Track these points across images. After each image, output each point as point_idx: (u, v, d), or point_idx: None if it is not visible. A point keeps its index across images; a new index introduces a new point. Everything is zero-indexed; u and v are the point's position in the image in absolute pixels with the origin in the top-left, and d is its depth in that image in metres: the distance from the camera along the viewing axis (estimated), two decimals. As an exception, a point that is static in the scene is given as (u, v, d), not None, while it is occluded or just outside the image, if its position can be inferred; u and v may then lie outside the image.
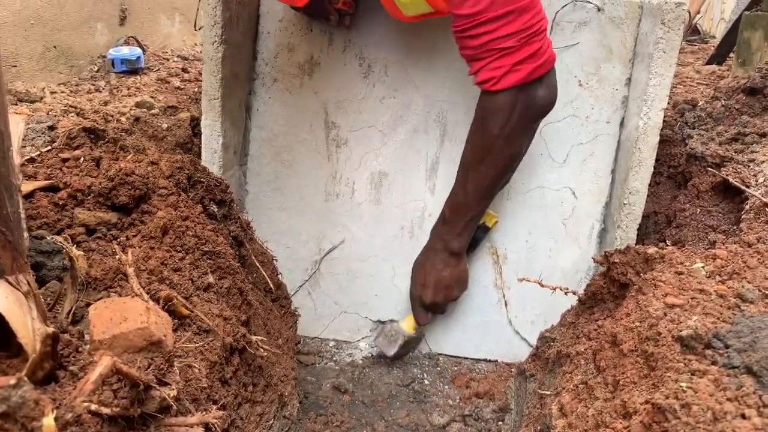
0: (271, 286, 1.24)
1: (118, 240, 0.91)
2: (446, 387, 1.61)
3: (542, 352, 1.21)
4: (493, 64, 1.17)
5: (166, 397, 0.65)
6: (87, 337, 0.67)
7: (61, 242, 0.74)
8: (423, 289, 1.53)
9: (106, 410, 0.60)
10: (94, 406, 0.60)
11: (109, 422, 0.62)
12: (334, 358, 1.72)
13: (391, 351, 1.60)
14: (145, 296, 0.76)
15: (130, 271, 0.78)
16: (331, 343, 1.76)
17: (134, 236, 0.91)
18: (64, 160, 1.04)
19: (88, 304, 0.71)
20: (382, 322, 1.73)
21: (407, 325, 1.62)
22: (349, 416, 1.49)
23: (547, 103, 1.29)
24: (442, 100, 1.61)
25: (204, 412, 0.75)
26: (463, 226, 1.45)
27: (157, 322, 0.68)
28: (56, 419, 0.51)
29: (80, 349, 0.66)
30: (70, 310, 0.72)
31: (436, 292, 1.52)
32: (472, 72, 1.24)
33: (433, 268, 1.50)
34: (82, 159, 1.05)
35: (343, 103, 1.65)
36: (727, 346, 0.73)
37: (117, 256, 0.81)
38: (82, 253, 0.78)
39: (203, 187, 1.10)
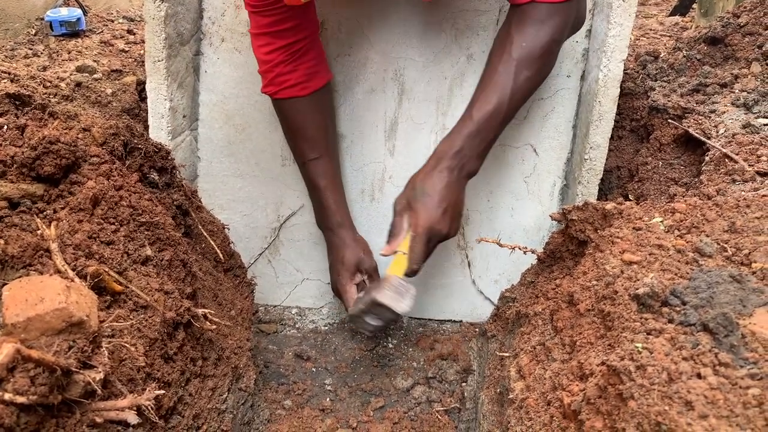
0: (221, 256, 1.19)
1: (45, 213, 0.84)
2: (410, 349, 1.60)
3: (503, 313, 1.19)
4: None
5: (91, 381, 0.60)
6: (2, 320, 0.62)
7: (-33, 218, 0.68)
8: (443, 217, 1.23)
9: (21, 399, 0.55)
10: (8, 396, 0.55)
11: (26, 411, 0.57)
12: (297, 326, 1.68)
13: (404, 306, 1.21)
14: (70, 273, 0.70)
15: (53, 246, 0.72)
16: (294, 311, 1.73)
17: (62, 209, 0.85)
18: (-15, 129, 0.96)
19: (4, 285, 0.65)
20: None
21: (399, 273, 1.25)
22: (311, 384, 1.46)
23: (585, 16, 1.36)
24: (399, 56, 1.55)
25: (140, 393, 0.70)
26: (490, 143, 1.28)
27: (78, 301, 0.62)
28: (-50, 416, 0.46)
29: (-7, 334, 0.61)
30: (-17, 292, 0.66)
31: (453, 222, 1.26)
32: None
33: (451, 193, 1.26)
34: (5, 127, 0.97)
35: (295, 62, 1.57)
36: (684, 303, 0.71)
37: (39, 231, 0.75)
38: (-8, 229, 0.72)
39: (141, 154, 1.03)
